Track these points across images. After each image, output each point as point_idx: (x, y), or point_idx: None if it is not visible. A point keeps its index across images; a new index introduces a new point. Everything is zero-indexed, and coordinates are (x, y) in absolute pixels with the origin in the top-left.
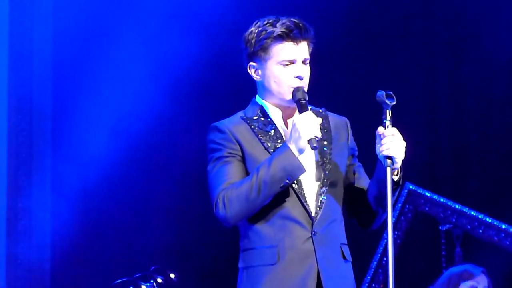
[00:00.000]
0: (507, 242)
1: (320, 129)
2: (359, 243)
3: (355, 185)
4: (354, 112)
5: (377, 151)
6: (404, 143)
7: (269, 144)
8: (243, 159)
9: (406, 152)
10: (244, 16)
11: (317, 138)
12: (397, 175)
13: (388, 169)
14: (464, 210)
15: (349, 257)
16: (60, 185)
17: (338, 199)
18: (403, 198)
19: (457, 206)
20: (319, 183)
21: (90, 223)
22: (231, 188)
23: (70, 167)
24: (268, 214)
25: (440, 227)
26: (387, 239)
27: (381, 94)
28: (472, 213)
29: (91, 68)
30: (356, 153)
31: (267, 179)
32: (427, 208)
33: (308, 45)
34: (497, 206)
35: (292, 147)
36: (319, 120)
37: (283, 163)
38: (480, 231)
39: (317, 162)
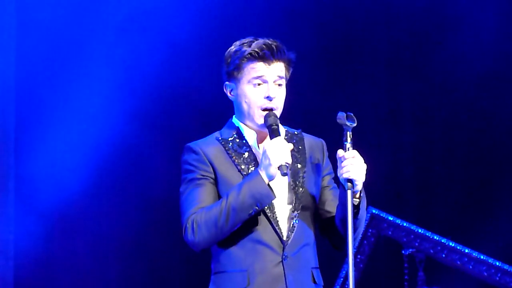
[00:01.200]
0: (470, 266)
1: (294, 151)
2: (325, 267)
3: (328, 207)
4: (322, 133)
5: (338, 174)
6: (364, 166)
7: (243, 167)
8: (216, 181)
9: (369, 176)
10: (211, 35)
11: (287, 165)
12: (358, 198)
13: (349, 192)
14: (427, 234)
15: (320, 281)
16: (24, 198)
17: (311, 223)
18: (366, 222)
19: (420, 230)
20: (291, 206)
21: (54, 237)
22: (201, 213)
23: (34, 181)
24: (239, 238)
25: (403, 251)
26: (347, 262)
27: (341, 115)
28: (435, 237)
29: (56, 80)
30: (333, 174)
31: (236, 206)
32: (390, 232)
33: (284, 66)
34: (460, 230)
35: (263, 173)
36: (290, 145)
37: (252, 190)
38: (443, 255)
39: (289, 185)
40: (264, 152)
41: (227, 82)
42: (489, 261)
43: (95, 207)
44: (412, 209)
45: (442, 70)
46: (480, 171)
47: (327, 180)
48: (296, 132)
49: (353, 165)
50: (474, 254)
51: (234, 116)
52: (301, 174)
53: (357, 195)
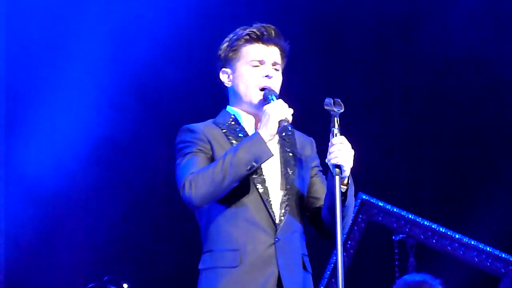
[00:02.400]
0: (461, 252)
1: (286, 141)
2: (314, 253)
3: (316, 194)
4: (311, 121)
5: (326, 160)
6: (352, 152)
7: None
8: (213, 159)
9: (358, 162)
10: (200, 29)
11: (288, 122)
12: (346, 185)
13: (337, 178)
14: (418, 220)
15: (309, 268)
16: (14, 186)
17: (301, 210)
18: (356, 208)
19: (410, 216)
20: (283, 192)
21: (44, 228)
22: (198, 172)
23: (25, 169)
24: (232, 217)
25: (393, 237)
26: (336, 248)
27: (329, 101)
28: (426, 223)
29: (47, 70)
30: (321, 168)
31: (233, 161)
32: (380, 218)
33: (280, 53)
34: (450, 216)
35: (262, 131)
36: (291, 110)
37: (250, 147)
38: (434, 241)
39: (281, 172)
40: (264, 111)
41: (223, 69)
42: (480, 246)
43: (85, 195)
44: (402, 195)
45: (431, 55)
46: (471, 157)
47: (315, 171)
48: (289, 127)
49: (341, 151)
50: (464, 240)
51: (228, 105)
52: (292, 162)
53: (345, 182)
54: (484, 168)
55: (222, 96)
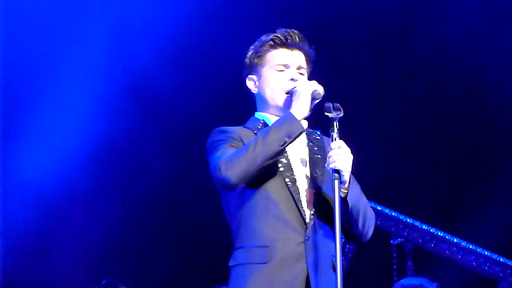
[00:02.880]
0: (459, 256)
1: (314, 143)
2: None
3: None
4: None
5: (325, 165)
6: (351, 156)
7: None
8: None
9: (357, 166)
10: (196, 36)
11: (320, 94)
12: (346, 189)
13: (336, 182)
14: (416, 224)
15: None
16: (13, 189)
17: (329, 212)
18: None
19: (408, 220)
20: (313, 192)
21: (42, 231)
22: (232, 154)
23: (22, 170)
24: (263, 215)
25: (391, 241)
26: (335, 252)
27: (328, 106)
28: (424, 227)
29: (45, 71)
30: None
31: (266, 139)
32: (378, 222)
33: (305, 58)
34: (449, 220)
35: (293, 109)
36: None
37: (283, 124)
38: (432, 245)
39: (311, 172)
40: (295, 91)
41: (250, 76)
42: (478, 250)
43: (83, 198)
44: (400, 199)
45: (430, 58)
46: (469, 161)
47: None
48: (316, 132)
49: (339, 156)
50: (463, 244)
51: (256, 112)
52: (321, 164)
53: (345, 186)
54: (482, 172)
55: (221, 99)
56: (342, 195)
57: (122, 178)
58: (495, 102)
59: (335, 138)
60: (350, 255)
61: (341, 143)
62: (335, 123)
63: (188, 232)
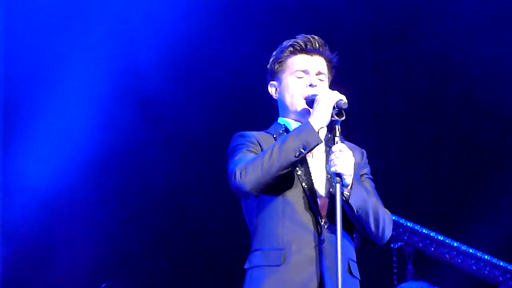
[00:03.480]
0: (459, 260)
1: (329, 150)
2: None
3: None
4: None
5: (326, 168)
6: (352, 160)
7: None
8: None
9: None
10: (194, 41)
11: (345, 102)
12: (349, 192)
13: (337, 186)
14: (416, 228)
15: (356, 274)
16: (12, 193)
17: (348, 217)
18: None
19: (409, 224)
20: (329, 196)
21: (42, 235)
22: (249, 161)
23: (22, 173)
24: (279, 218)
25: (391, 245)
26: (336, 255)
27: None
28: (424, 230)
29: (43, 75)
30: (370, 176)
31: (282, 148)
32: None
33: (326, 63)
34: (449, 224)
35: (312, 119)
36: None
37: (300, 134)
38: (432, 248)
39: (327, 177)
40: (316, 100)
41: (271, 82)
42: (478, 254)
43: (83, 202)
44: (400, 203)
45: (431, 63)
46: (469, 165)
47: (363, 178)
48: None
49: (340, 159)
50: (463, 248)
51: (279, 117)
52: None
53: (348, 189)
54: (483, 176)
55: (219, 105)
56: (345, 198)
57: (123, 181)
58: (497, 106)
59: (337, 142)
60: None
61: (343, 146)
62: (337, 126)
63: (190, 235)
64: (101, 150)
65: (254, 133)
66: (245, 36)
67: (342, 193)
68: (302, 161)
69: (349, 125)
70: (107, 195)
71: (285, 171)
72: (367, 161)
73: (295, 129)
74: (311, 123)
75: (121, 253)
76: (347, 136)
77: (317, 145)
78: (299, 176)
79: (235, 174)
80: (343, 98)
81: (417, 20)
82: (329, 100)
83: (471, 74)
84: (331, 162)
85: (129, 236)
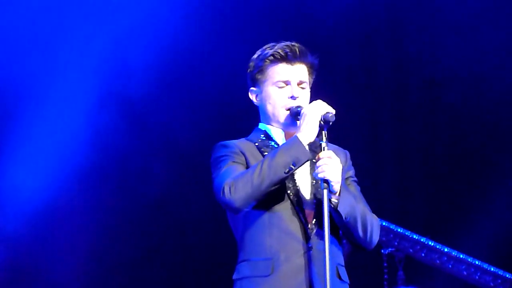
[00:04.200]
0: (450, 266)
1: (317, 153)
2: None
3: None
4: None
5: (313, 174)
6: (340, 166)
7: None
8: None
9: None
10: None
11: (332, 114)
12: (336, 199)
13: (325, 192)
14: (407, 233)
15: (346, 279)
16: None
17: (335, 222)
18: None
19: (399, 230)
20: (316, 202)
21: (31, 244)
22: (237, 176)
23: (14, 179)
24: (266, 227)
25: (382, 251)
26: (324, 261)
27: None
28: (415, 236)
29: (37, 77)
30: (355, 178)
31: (272, 164)
32: None
33: (307, 70)
34: (439, 229)
35: (300, 134)
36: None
37: (289, 150)
38: (423, 254)
39: (312, 184)
40: (302, 113)
41: (252, 88)
42: (469, 260)
43: (74, 211)
44: (391, 208)
45: (422, 67)
46: (459, 170)
47: (348, 181)
48: (321, 142)
49: (328, 165)
50: (453, 253)
51: (260, 122)
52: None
53: (336, 195)
54: (473, 182)
55: (211, 113)
56: (334, 205)
57: (114, 191)
58: (489, 111)
59: (324, 148)
60: None
61: (330, 153)
62: (324, 132)
63: (179, 246)
64: (91, 160)
65: (236, 142)
66: (237, 42)
67: (330, 200)
68: None
69: (340, 130)
70: (97, 205)
71: (276, 186)
72: (351, 162)
73: (284, 144)
74: (299, 138)
75: (112, 263)
76: (337, 140)
77: (307, 161)
78: (285, 184)
79: (223, 189)
80: (330, 110)
81: (408, 23)
82: (316, 114)
83: (462, 79)
84: (319, 168)
85: (120, 246)
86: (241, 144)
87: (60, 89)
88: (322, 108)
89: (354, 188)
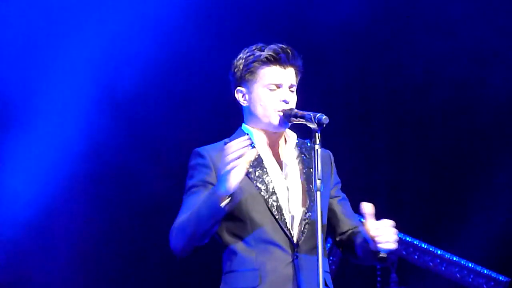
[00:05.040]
0: (443, 268)
1: (306, 157)
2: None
3: (341, 220)
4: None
5: (372, 241)
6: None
7: (250, 170)
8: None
9: (341, 177)
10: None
11: (324, 116)
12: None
13: (318, 194)
14: (400, 235)
15: (331, 285)
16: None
17: (323, 227)
18: None
19: None
20: (304, 208)
21: (25, 251)
22: (179, 223)
23: (10, 184)
24: (250, 238)
25: None
26: (317, 264)
27: (309, 116)
28: (408, 238)
29: (30, 81)
30: (340, 185)
31: (198, 216)
32: None
33: (295, 72)
34: (432, 231)
35: (218, 187)
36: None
37: (208, 204)
38: (416, 256)
39: (303, 187)
40: (219, 172)
41: (239, 88)
42: (462, 262)
43: (70, 211)
44: (383, 211)
45: (414, 71)
46: (452, 173)
47: (335, 190)
48: (308, 143)
49: (392, 236)
50: (446, 256)
51: (243, 123)
52: (313, 178)
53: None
54: (466, 185)
55: (206, 118)
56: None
57: (108, 196)
58: (482, 113)
59: (317, 150)
60: (333, 267)
61: (390, 222)
62: (317, 134)
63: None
64: (86, 165)
65: (211, 150)
66: (231, 43)
67: (378, 255)
68: (264, 180)
69: (332, 132)
70: (93, 209)
71: (214, 229)
72: (335, 165)
73: (206, 195)
74: (216, 191)
75: (104, 269)
76: (328, 143)
77: (224, 215)
78: (263, 196)
79: (171, 232)
80: (247, 157)
81: (402, 29)
82: (229, 182)
83: (454, 83)
84: (385, 244)
85: (112, 251)
86: (216, 155)
87: (54, 94)
88: (236, 176)
89: (347, 206)
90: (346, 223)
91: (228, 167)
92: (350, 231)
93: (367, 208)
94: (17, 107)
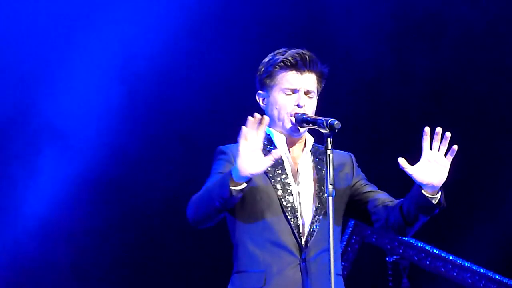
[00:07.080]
0: (454, 273)
1: (320, 160)
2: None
3: (378, 199)
4: None
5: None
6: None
7: (269, 169)
8: None
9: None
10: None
11: (336, 122)
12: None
13: (330, 199)
14: (411, 241)
15: (342, 287)
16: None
17: (335, 229)
18: (350, 229)
19: (404, 237)
20: (314, 211)
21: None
22: (197, 195)
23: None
24: (258, 239)
25: (387, 258)
26: (329, 269)
27: (321, 122)
28: (419, 244)
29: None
30: (365, 178)
31: (211, 192)
32: (374, 239)
33: (316, 78)
34: (444, 237)
35: (234, 171)
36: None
37: (220, 183)
38: (427, 262)
39: (314, 190)
40: (236, 166)
41: (259, 91)
42: (473, 268)
43: (76, 213)
44: None
45: (421, 73)
46: (464, 179)
47: (360, 183)
48: (322, 148)
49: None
50: (458, 261)
51: None
52: (325, 183)
53: (435, 192)
54: (478, 190)
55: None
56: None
57: (113, 200)
58: (493, 114)
59: (328, 154)
60: (345, 272)
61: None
62: (329, 139)
63: (183, 253)
64: (93, 168)
65: (234, 148)
66: (244, 36)
67: (428, 197)
68: (282, 180)
69: (341, 133)
70: (99, 213)
71: (220, 211)
72: (357, 164)
73: (222, 176)
74: (232, 173)
75: (116, 270)
76: (337, 144)
77: (232, 198)
78: (279, 196)
79: (188, 202)
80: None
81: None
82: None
83: (461, 88)
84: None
85: (122, 253)
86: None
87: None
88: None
89: (368, 185)
90: (384, 199)
91: (243, 149)
92: (390, 202)
93: (402, 162)
94: (19, 111)
